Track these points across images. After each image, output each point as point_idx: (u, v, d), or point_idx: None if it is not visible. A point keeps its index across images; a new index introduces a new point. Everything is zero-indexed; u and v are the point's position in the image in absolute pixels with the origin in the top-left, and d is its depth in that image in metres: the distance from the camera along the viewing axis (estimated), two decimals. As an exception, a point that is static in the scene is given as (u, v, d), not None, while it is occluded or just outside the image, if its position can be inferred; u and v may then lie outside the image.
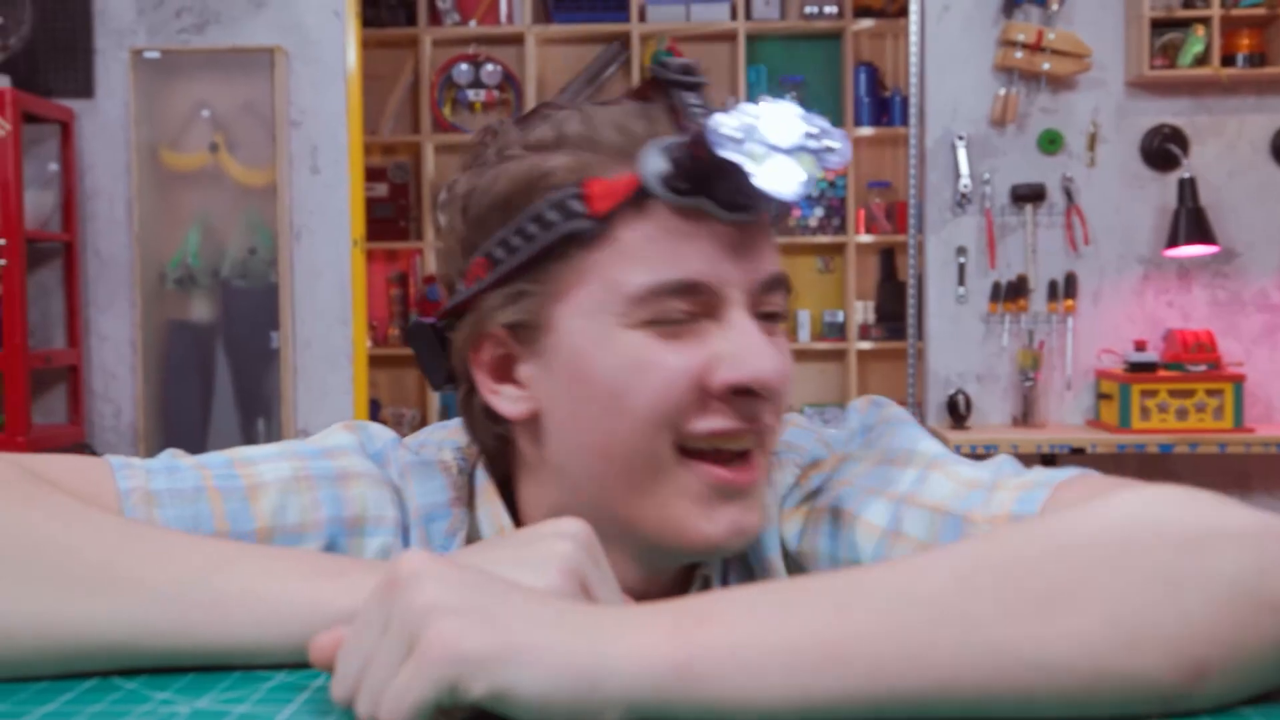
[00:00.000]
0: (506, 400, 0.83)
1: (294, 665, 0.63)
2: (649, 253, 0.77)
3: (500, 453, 0.86)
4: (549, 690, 0.51)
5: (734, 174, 0.73)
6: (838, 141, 0.76)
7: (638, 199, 0.76)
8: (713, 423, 0.78)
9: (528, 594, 0.56)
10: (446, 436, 0.89)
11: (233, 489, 0.80)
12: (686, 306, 0.77)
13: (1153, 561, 0.56)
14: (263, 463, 0.83)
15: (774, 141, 0.74)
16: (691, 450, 0.78)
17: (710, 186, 0.75)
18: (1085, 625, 0.54)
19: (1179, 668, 0.54)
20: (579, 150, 0.78)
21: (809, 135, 0.75)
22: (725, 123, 0.73)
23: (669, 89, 0.79)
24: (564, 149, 0.78)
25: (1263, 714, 0.56)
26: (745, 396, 0.77)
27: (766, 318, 0.80)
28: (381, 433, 0.89)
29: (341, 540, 0.82)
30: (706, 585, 0.87)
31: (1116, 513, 0.60)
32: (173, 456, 0.83)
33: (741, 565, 0.88)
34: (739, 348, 0.77)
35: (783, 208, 0.82)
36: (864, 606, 0.55)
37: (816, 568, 0.85)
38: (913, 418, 0.91)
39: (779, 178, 0.74)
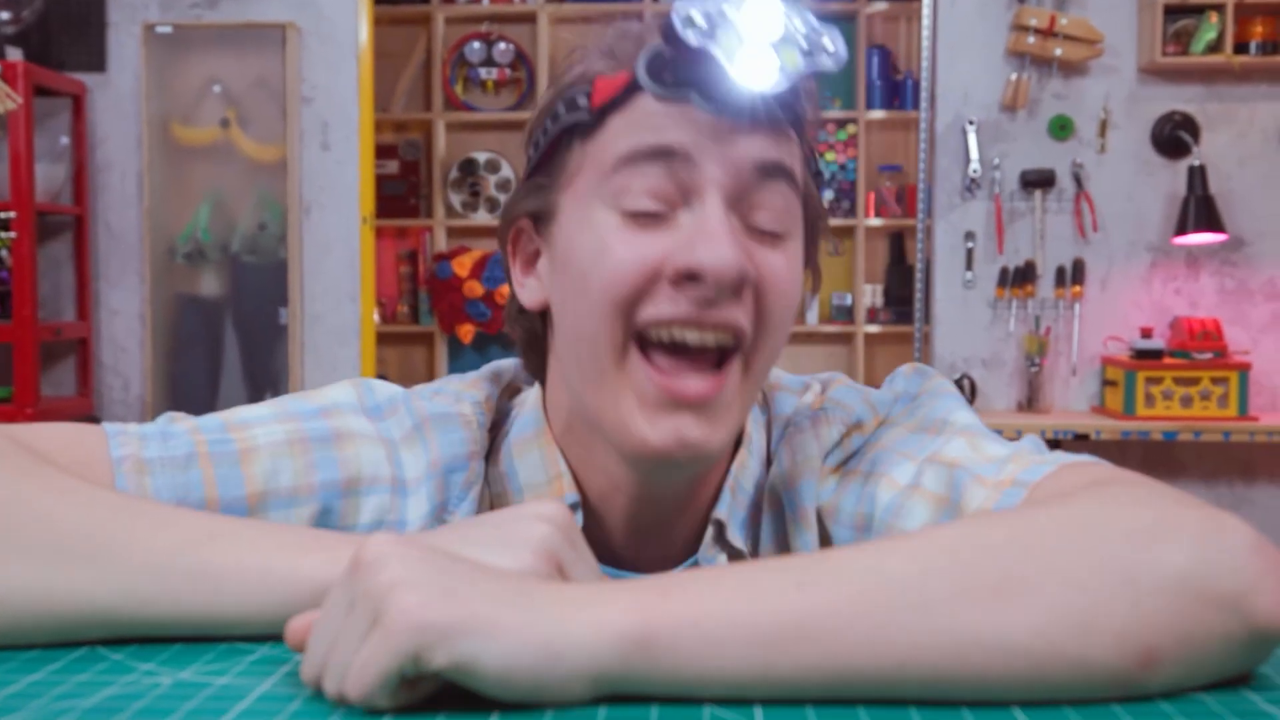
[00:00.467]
0: (528, 291, 0.86)
1: (278, 638, 0.64)
2: (633, 128, 0.78)
3: (530, 350, 0.90)
4: (512, 663, 0.52)
5: (710, 65, 0.73)
6: (830, 40, 0.76)
7: (632, 93, 0.78)
8: (660, 309, 0.77)
9: (491, 572, 0.57)
10: (464, 388, 0.90)
11: (225, 453, 0.81)
12: (663, 184, 0.77)
13: (1106, 553, 0.58)
14: (257, 425, 0.84)
15: (749, 32, 0.74)
16: (654, 345, 0.78)
17: (695, 80, 0.75)
18: (1039, 611, 0.56)
19: (1129, 654, 0.56)
20: (603, 57, 0.82)
21: (796, 31, 0.75)
22: (691, 10, 0.73)
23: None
24: (593, 58, 0.82)
25: (1221, 702, 0.57)
26: (696, 284, 0.76)
27: (761, 234, 0.79)
28: (385, 387, 0.90)
29: (337, 503, 0.83)
30: (720, 531, 0.86)
31: (1075, 507, 0.62)
32: (170, 420, 0.84)
33: (776, 513, 0.88)
34: (694, 233, 0.76)
35: (792, 103, 0.79)
36: (826, 585, 0.56)
37: (837, 523, 0.86)
38: (955, 389, 0.91)
39: (753, 69, 0.73)
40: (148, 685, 0.58)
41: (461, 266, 4.98)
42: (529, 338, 0.89)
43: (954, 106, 3.94)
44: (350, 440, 0.84)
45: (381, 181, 4.88)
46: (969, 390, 3.87)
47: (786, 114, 0.79)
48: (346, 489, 0.83)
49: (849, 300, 5.20)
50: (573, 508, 0.84)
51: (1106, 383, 3.87)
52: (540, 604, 0.55)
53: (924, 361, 4.05)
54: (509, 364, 0.94)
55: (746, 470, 0.89)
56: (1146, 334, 3.78)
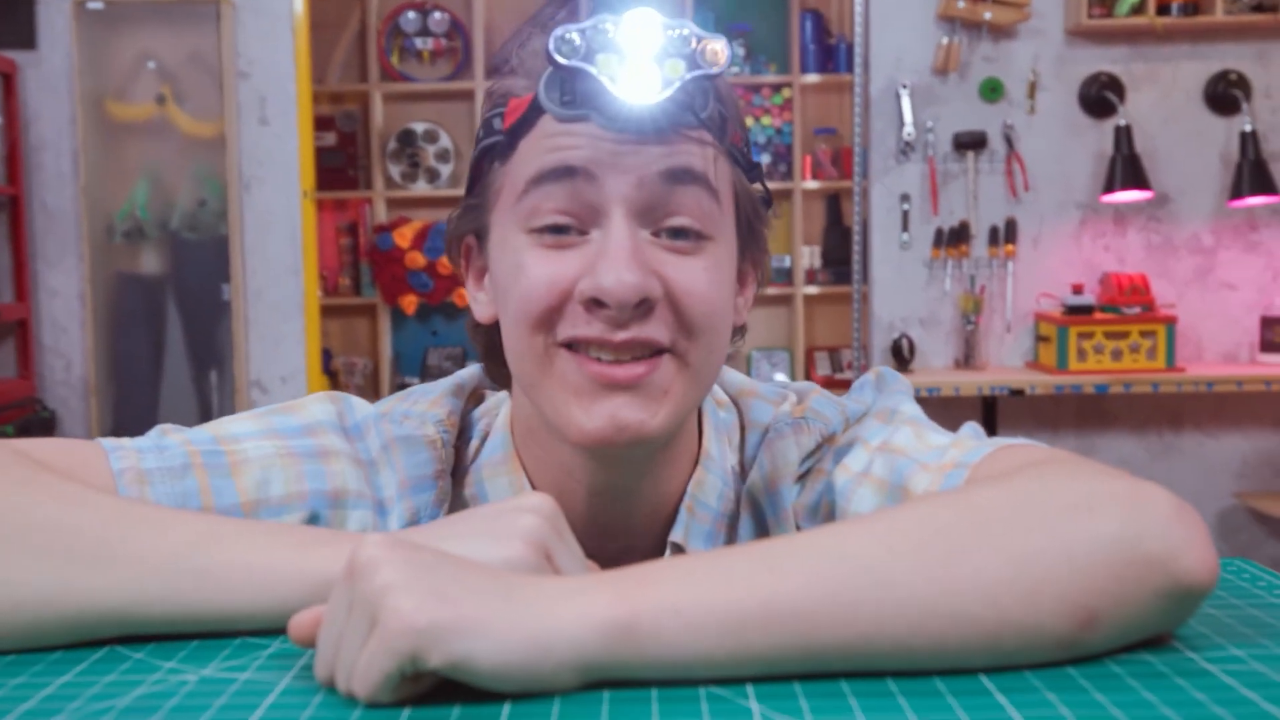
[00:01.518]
0: (479, 305, 0.90)
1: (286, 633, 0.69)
2: (538, 149, 0.81)
3: (490, 360, 0.92)
4: (503, 658, 0.57)
5: (601, 85, 0.77)
6: (713, 47, 0.78)
7: (537, 114, 0.81)
8: (575, 330, 0.80)
9: (480, 570, 0.60)
10: (428, 408, 0.92)
11: (217, 464, 0.85)
12: (570, 204, 0.80)
13: (1045, 526, 0.64)
14: (246, 440, 0.87)
15: (629, 48, 0.77)
16: (578, 349, 0.81)
17: (591, 98, 0.79)
18: (989, 582, 0.62)
19: (1072, 617, 0.62)
20: (521, 75, 0.84)
21: (680, 39, 0.78)
22: (566, 31, 0.77)
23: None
24: (514, 73, 0.85)
25: (1165, 662, 0.63)
26: (603, 307, 0.78)
27: (676, 234, 0.81)
28: (362, 405, 0.93)
29: (325, 513, 0.86)
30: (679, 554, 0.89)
31: (1015, 485, 0.68)
32: (161, 434, 0.88)
33: (756, 518, 0.92)
34: (598, 258, 0.79)
35: (696, 106, 0.80)
36: (795, 568, 0.61)
37: (804, 519, 0.90)
38: (907, 387, 0.96)
39: (636, 84, 0.77)
40: (175, 683, 0.62)
41: (403, 238, 4.99)
42: (488, 349, 0.91)
43: (887, 71, 4.00)
44: (335, 457, 0.88)
45: (320, 153, 4.86)
46: (908, 349, 3.95)
47: (691, 117, 0.80)
48: (334, 500, 0.87)
49: (787, 262, 5.27)
50: None
51: (1040, 339, 3.97)
52: (526, 599, 0.59)
53: (862, 322, 4.14)
54: (470, 373, 0.96)
55: (705, 487, 0.91)
56: (1077, 290, 3.88)
